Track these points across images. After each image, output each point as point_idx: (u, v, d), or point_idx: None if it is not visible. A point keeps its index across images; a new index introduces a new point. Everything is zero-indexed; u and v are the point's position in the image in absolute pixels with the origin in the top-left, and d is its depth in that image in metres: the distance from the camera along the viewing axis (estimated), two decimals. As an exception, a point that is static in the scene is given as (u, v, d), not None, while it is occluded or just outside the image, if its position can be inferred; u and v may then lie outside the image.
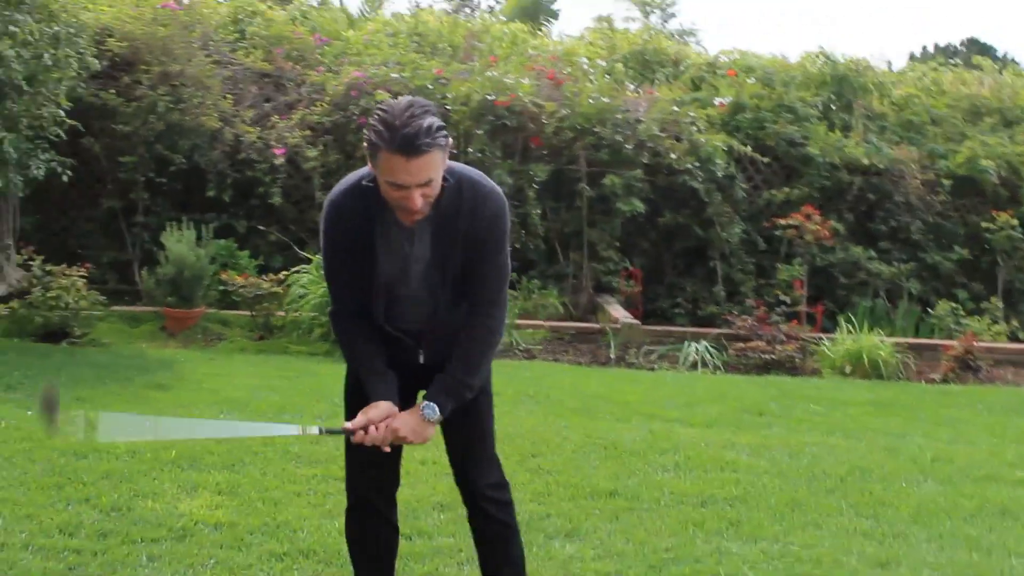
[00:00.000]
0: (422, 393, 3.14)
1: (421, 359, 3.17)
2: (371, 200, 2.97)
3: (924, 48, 28.72)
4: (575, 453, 5.70)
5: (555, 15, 21.61)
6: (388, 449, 3.04)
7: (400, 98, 2.92)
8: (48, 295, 8.12)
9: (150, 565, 3.92)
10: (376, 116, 2.85)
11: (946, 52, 32.12)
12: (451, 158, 3.05)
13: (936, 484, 5.53)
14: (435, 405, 3.04)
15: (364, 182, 2.99)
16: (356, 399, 3.15)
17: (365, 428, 2.98)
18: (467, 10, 27.38)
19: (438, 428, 3.17)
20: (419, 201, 2.86)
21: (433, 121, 2.82)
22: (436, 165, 2.86)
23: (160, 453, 5.23)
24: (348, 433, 3.00)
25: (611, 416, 6.61)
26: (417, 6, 15.74)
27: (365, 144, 2.91)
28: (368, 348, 3.11)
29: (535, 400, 6.93)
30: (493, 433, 3.39)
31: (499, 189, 3.10)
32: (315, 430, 3.01)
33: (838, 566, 4.28)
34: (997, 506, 5.20)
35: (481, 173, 3.12)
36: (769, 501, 5.06)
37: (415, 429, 3.03)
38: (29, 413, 5.87)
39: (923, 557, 4.45)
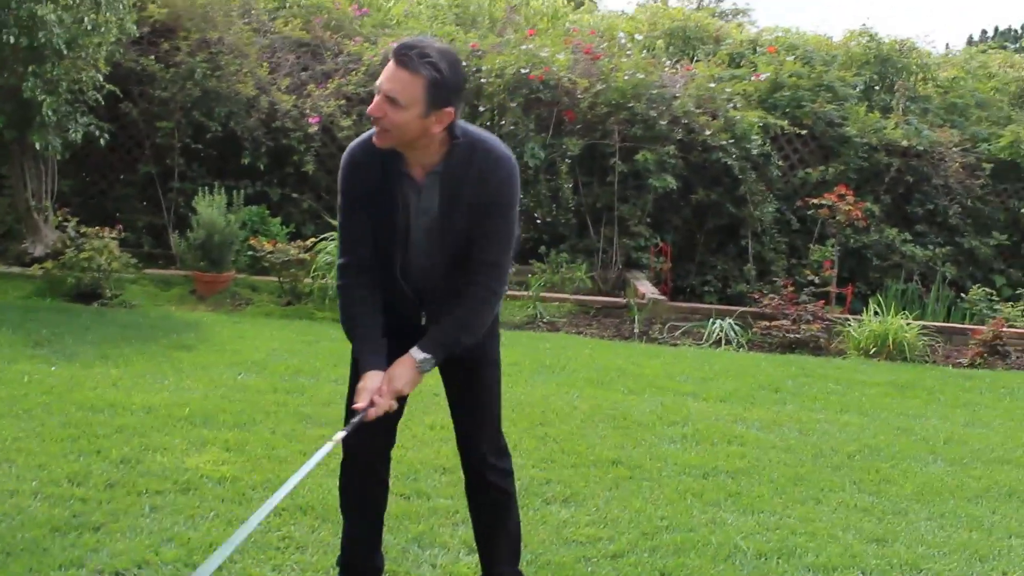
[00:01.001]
0: None
1: (423, 320, 3.22)
2: (385, 154, 3.05)
3: (983, 31, 28.14)
4: (583, 423, 5.74)
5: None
6: (395, 405, 3.12)
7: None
8: (81, 256, 8.28)
9: (152, 515, 4.03)
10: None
11: (1006, 36, 31.50)
12: (486, 130, 3.15)
13: (945, 465, 5.50)
14: (430, 356, 3.09)
15: None
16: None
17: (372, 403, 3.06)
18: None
19: (444, 396, 3.30)
20: (377, 109, 2.94)
21: (435, 59, 2.90)
22: (408, 89, 2.90)
23: (174, 410, 5.36)
24: (362, 418, 3.06)
25: (625, 388, 6.63)
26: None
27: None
28: (366, 312, 3.16)
29: (551, 371, 6.97)
30: (499, 403, 3.44)
31: (511, 155, 3.13)
32: (340, 435, 3.09)
33: (833, 540, 4.29)
34: (1005, 488, 5.17)
35: (495, 138, 3.17)
36: (772, 475, 5.07)
37: (412, 380, 3.11)
38: (53, 369, 6.04)
39: (921, 535, 4.44)
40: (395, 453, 4.48)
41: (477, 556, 3.57)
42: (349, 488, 3.48)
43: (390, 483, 3.57)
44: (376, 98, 2.96)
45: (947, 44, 30.37)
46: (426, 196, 3.08)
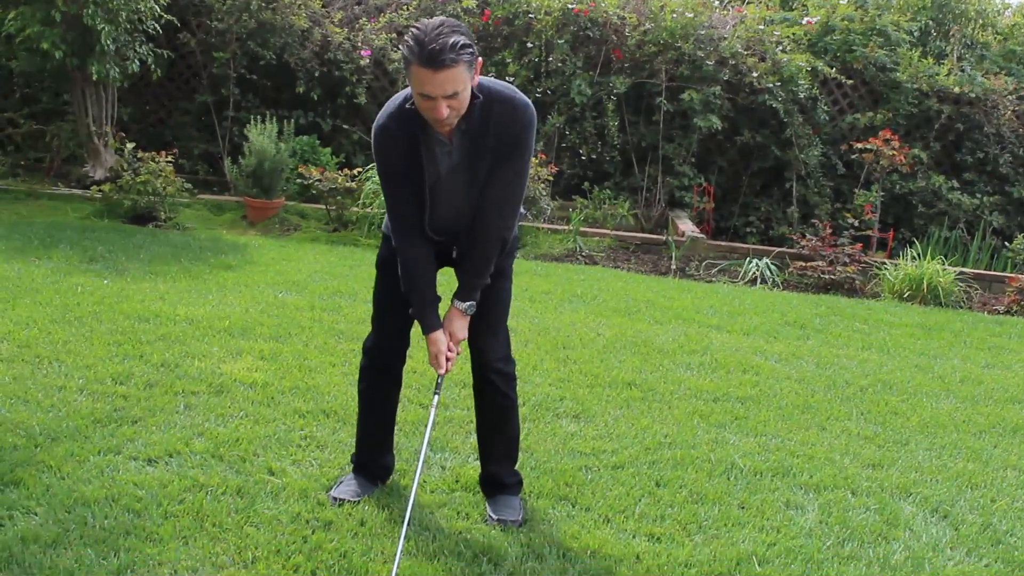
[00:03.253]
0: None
1: (453, 255, 3.54)
2: (414, 120, 3.28)
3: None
4: (605, 348, 5.94)
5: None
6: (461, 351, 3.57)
7: (434, 18, 3.18)
8: (138, 180, 8.62)
9: (185, 412, 4.34)
10: (410, 34, 3.13)
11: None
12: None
13: (956, 401, 5.62)
14: (471, 302, 3.48)
15: (407, 105, 3.29)
16: (388, 270, 3.56)
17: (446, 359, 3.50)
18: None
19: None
20: (445, 111, 3.14)
21: (459, 39, 3.07)
22: (460, 79, 3.11)
23: (214, 322, 5.66)
24: (441, 376, 3.54)
25: (651, 319, 6.81)
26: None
27: (401, 60, 3.24)
28: (423, 273, 3.47)
29: (582, 300, 7.17)
30: (507, 312, 3.69)
31: (528, 102, 3.35)
32: (435, 399, 3.53)
33: (829, 463, 4.47)
34: (1010, 425, 5.29)
35: (511, 88, 3.38)
36: (781, 403, 5.24)
37: (465, 325, 3.52)
38: (105, 282, 6.38)
39: (917, 462, 4.60)
40: (420, 367, 4.77)
41: (481, 458, 3.83)
42: (369, 389, 3.79)
43: (412, 395, 3.85)
44: (436, 103, 3.11)
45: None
46: (456, 152, 3.34)
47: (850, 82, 11.10)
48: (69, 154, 10.14)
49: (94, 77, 8.98)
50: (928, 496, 4.21)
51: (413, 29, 3.13)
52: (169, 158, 8.89)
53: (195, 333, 5.47)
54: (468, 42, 3.11)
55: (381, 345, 3.73)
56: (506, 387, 3.69)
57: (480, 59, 3.22)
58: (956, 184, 11.06)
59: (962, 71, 11.47)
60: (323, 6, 10.64)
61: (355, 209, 9.00)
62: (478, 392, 3.72)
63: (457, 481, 3.90)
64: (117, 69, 9.13)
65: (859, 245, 9.22)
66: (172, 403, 4.43)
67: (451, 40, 3.04)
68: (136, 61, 9.32)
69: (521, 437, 3.94)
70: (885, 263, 9.08)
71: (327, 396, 4.67)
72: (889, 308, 8.07)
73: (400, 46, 3.22)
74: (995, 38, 12.62)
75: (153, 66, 9.56)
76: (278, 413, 4.43)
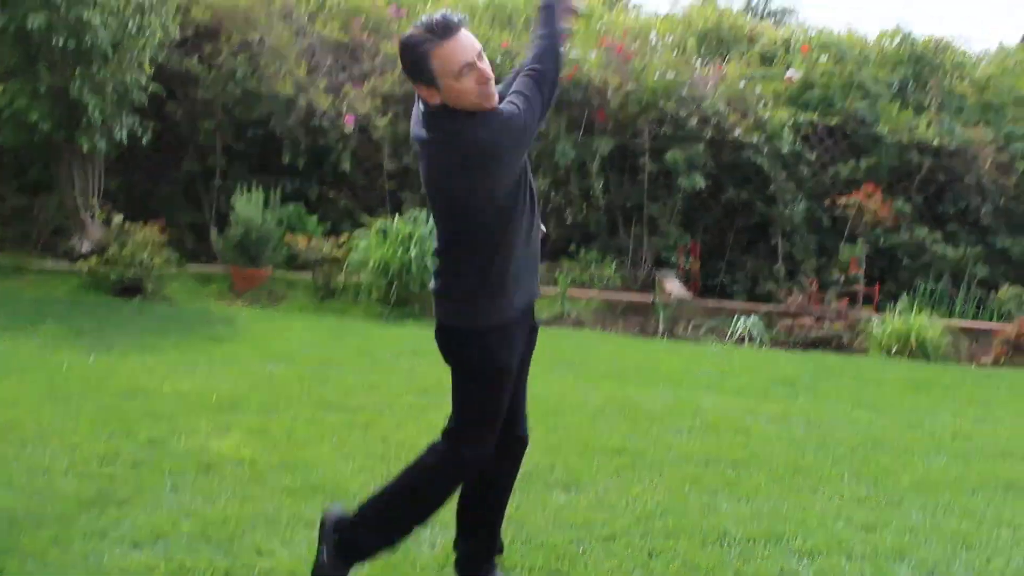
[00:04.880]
0: None
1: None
2: None
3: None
4: (595, 413, 5.93)
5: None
6: None
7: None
8: (124, 252, 8.64)
9: (174, 493, 4.30)
10: (410, 35, 3.14)
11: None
12: None
13: (948, 458, 5.60)
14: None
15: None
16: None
17: None
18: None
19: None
20: (487, 69, 3.12)
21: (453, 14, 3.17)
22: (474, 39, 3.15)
23: (202, 397, 5.64)
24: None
25: (641, 382, 6.81)
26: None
27: (414, 71, 3.11)
28: None
29: (570, 365, 7.16)
30: None
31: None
32: None
33: (822, 527, 4.43)
34: (1003, 481, 5.26)
35: None
36: (772, 465, 5.22)
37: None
38: (92, 358, 6.37)
39: (911, 524, 4.56)
40: (404, 438, 4.74)
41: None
42: (454, 488, 3.53)
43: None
44: (477, 64, 3.10)
45: (1000, 42, 29.83)
46: None
47: (831, 137, 11.22)
48: (56, 227, 10.16)
49: (84, 150, 9.03)
50: (923, 559, 4.18)
51: (410, 32, 3.15)
52: (156, 229, 8.91)
53: (183, 408, 5.44)
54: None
55: (490, 450, 3.43)
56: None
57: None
58: (939, 236, 11.14)
59: (941, 123, 11.60)
60: (308, 74, 10.75)
61: (342, 277, 9.02)
62: (501, 466, 3.60)
63: (448, 558, 3.86)
64: (104, 141, 9.19)
65: (846, 300, 9.27)
66: (159, 483, 4.39)
67: (450, 13, 3.12)
68: (123, 132, 9.38)
69: (511, 509, 3.91)
70: (872, 318, 9.11)
71: (316, 471, 4.64)
72: (877, 363, 8.09)
73: (409, 58, 3.15)
74: (972, 89, 12.79)
75: (140, 134, 9.61)
76: (267, 491, 4.39)
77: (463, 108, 3.14)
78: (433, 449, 3.46)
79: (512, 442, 3.60)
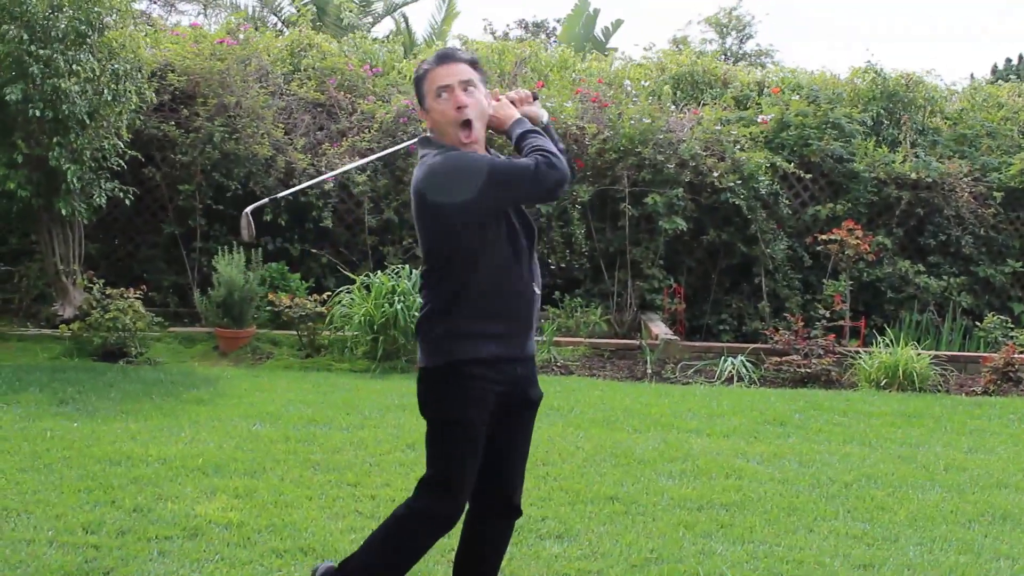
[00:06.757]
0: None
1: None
2: None
3: (1008, 60, 27.92)
4: (585, 461, 5.87)
5: (603, 47, 21.84)
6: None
7: None
8: (107, 317, 8.57)
9: (160, 559, 4.22)
10: (421, 62, 3.46)
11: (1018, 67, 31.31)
12: None
13: (942, 491, 5.57)
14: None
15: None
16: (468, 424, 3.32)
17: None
18: (542, 36, 27.97)
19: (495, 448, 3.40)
20: (463, 96, 3.27)
21: (467, 52, 3.45)
22: (473, 76, 3.33)
23: (188, 461, 5.56)
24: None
25: (630, 427, 6.76)
26: (468, 39, 16.06)
27: (416, 93, 3.42)
28: None
29: (559, 413, 7.11)
30: None
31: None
32: None
33: (820, 567, 4.39)
34: (1000, 511, 5.24)
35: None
36: (766, 506, 5.17)
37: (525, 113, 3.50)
38: (75, 425, 6.28)
39: (909, 560, 4.53)
40: (393, 495, 4.68)
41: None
42: (426, 547, 3.50)
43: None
44: (453, 90, 3.32)
45: (971, 74, 30.16)
46: None
47: (809, 175, 11.30)
48: (38, 294, 10.09)
49: (63, 214, 9.00)
50: (922, 595, 4.13)
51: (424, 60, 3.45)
52: (138, 294, 8.87)
53: (168, 474, 5.36)
54: (477, 60, 3.42)
55: (460, 506, 3.40)
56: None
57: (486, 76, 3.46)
58: (922, 268, 11.20)
59: (916, 157, 11.71)
60: (285, 133, 10.78)
61: (327, 333, 8.97)
62: (487, 532, 3.58)
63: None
64: (84, 206, 9.17)
65: (832, 336, 9.26)
66: (145, 550, 4.31)
67: (459, 49, 3.36)
68: (103, 197, 9.37)
69: (504, 562, 3.86)
70: (860, 352, 9.10)
71: (305, 533, 4.56)
72: (867, 398, 8.07)
73: (414, 82, 3.49)
74: (945, 123, 12.93)
75: (121, 198, 9.59)
76: (255, 554, 4.32)
77: (442, 139, 3.33)
78: (407, 501, 3.44)
79: (504, 509, 3.55)
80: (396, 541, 3.41)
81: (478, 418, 3.31)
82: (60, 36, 8.63)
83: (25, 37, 8.49)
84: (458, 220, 3.22)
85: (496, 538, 3.63)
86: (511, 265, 3.32)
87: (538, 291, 3.44)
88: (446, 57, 3.34)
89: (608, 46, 22.56)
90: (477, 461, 3.36)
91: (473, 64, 3.37)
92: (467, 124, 3.28)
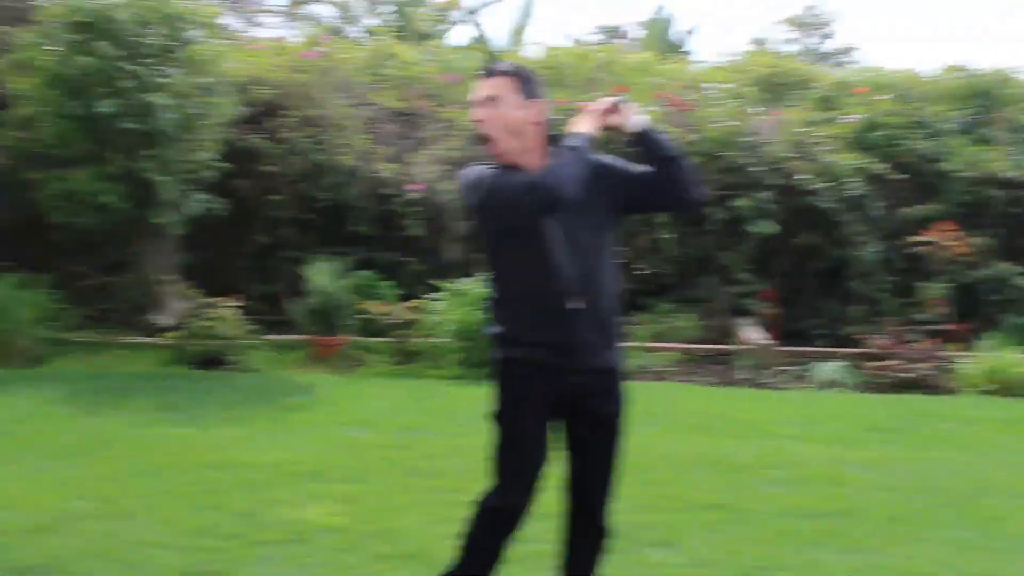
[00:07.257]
0: None
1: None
2: None
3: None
4: (685, 468, 5.82)
5: (679, 49, 21.67)
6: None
7: None
8: (204, 325, 8.75)
9: (266, 563, 4.28)
10: None
11: None
12: None
13: (1058, 500, 5.40)
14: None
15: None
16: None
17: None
18: (617, 40, 27.87)
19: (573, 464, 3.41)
20: (477, 112, 3.28)
21: (510, 65, 3.40)
22: (499, 88, 3.26)
23: (290, 466, 5.64)
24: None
25: (728, 433, 6.68)
26: (550, 46, 16.06)
27: None
28: None
29: (656, 419, 7.04)
30: None
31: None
32: None
33: (934, 577, 4.28)
34: (1120, 521, 5.05)
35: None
36: (874, 514, 5.06)
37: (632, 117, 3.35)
38: (181, 431, 6.42)
39: (1027, 570, 4.39)
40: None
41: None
42: (499, 541, 3.44)
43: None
44: (474, 108, 3.33)
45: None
46: None
47: (900, 176, 11.05)
48: (135, 303, 10.33)
49: (157, 226, 9.21)
50: (1045, 607, 4.00)
51: None
52: (234, 302, 9.03)
53: (271, 479, 5.44)
54: (529, 76, 3.30)
55: (530, 493, 3.32)
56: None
57: (542, 101, 3.30)
58: (1022, 269, 10.87)
59: (1011, 155, 11.39)
60: (370, 143, 10.88)
61: (418, 340, 9.03)
62: (581, 544, 3.54)
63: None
64: (177, 217, 9.38)
65: (931, 340, 9.04)
66: (253, 554, 4.37)
67: (500, 62, 3.34)
68: (194, 208, 9.56)
69: (608, 569, 3.82)
70: (961, 357, 8.87)
71: (409, 539, 4.59)
72: (970, 404, 7.87)
73: None
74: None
75: (211, 209, 9.79)
76: (359, 559, 4.35)
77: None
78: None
79: (585, 527, 3.50)
80: (464, 540, 3.47)
81: (520, 417, 3.33)
82: (149, 51, 8.83)
83: (115, 53, 8.71)
84: (483, 230, 3.36)
85: (579, 555, 3.57)
86: (548, 273, 3.26)
87: (602, 303, 3.32)
88: (481, 72, 3.39)
89: (683, 50, 22.38)
90: (526, 462, 3.34)
91: (513, 76, 3.28)
92: (485, 138, 3.29)
